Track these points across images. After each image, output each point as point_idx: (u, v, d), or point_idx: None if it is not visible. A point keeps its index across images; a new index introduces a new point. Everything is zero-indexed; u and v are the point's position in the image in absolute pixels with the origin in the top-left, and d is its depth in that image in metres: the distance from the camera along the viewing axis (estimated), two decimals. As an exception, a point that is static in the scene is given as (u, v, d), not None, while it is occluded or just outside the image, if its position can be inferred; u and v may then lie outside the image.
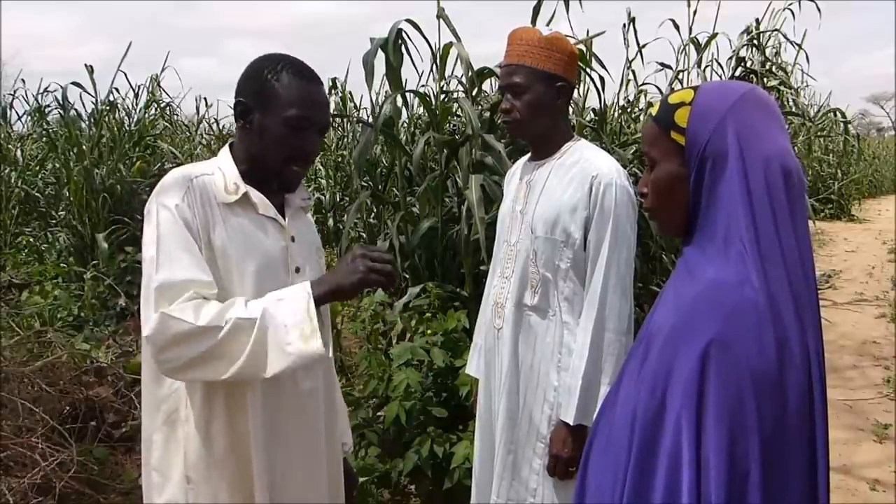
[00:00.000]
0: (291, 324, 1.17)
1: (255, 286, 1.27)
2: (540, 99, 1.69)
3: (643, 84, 5.14)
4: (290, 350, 1.17)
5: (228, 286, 1.25)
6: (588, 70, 3.89)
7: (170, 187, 1.26)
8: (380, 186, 4.39)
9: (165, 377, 1.26)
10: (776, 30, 5.63)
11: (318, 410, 1.41)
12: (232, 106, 1.34)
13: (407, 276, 3.50)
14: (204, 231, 1.24)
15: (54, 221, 6.11)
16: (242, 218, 1.30)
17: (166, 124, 7.57)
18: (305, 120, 1.29)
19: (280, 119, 1.28)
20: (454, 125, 4.43)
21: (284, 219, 1.36)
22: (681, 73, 5.01)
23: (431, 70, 3.63)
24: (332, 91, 7.70)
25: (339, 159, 7.00)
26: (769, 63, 5.58)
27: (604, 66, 3.98)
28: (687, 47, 4.99)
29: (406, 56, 3.30)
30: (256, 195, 1.32)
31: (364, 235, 5.67)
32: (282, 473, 1.33)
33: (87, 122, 6.04)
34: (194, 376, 1.22)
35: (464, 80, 3.38)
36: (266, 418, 1.29)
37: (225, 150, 1.36)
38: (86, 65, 5.64)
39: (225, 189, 1.29)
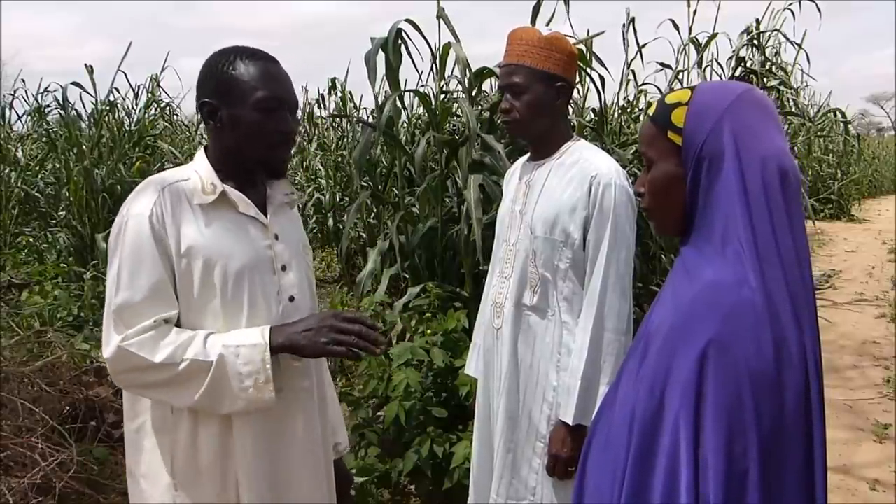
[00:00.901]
0: (246, 373, 1.20)
1: (241, 287, 1.26)
2: (539, 99, 1.69)
3: (643, 84, 5.15)
4: (243, 396, 1.20)
5: (210, 290, 1.24)
6: (588, 70, 3.89)
7: (140, 196, 1.24)
8: (380, 186, 4.39)
9: None
10: (776, 30, 5.63)
11: (311, 413, 1.40)
12: (198, 109, 1.32)
13: (407, 276, 3.50)
14: (175, 242, 1.22)
15: (54, 221, 6.11)
16: (222, 219, 1.27)
17: (166, 124, 7.57)
18: (274, 100, 1.26)
19: (249, 106, 1.25)
20: (454, 125, 4.43)
21: (266, 216, 1.34)
22: (681, 74, 5.02)
23: (431, 70, 3.63)
24: (332, 91, 7.71)
25: (339, 159, 7.00)
26: (769, 63, 5.58)
27: (604, 66, 3.98)
28: (687, 47, 5.00)
29: (406, 56, 3.30)
30: (235, 194, 1.29)
31: (364, 235, 5.67)
32: (272, 478, 1.32)
33: (87, 122, 6.05)
34: (155, 398, 1.25)
35: (463, 80, 3.38)
36: (254, 424, 1.29)
37: (200, 153, 1.34)
38: (86, 65, 5.64)
39: (202, 190, 1.27)
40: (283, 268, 1.34)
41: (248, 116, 1.26)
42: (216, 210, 1.27)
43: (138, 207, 1.22)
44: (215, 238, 1.25)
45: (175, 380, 1.18)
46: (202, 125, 8.56)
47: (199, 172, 1.30)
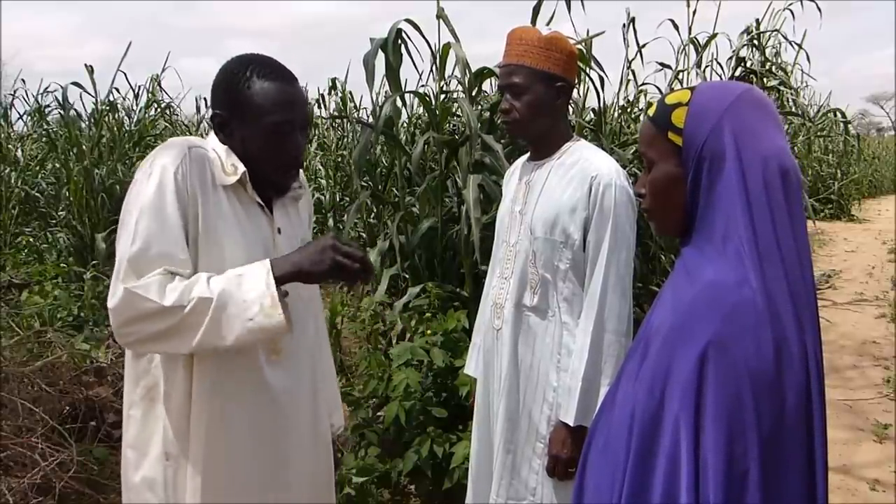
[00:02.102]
0: (251, 298, 1.17)
1: None
2: (539, 99, 1.69)
3: (643, 84, 5.15)
4: (251, 324, 1.17)
5: (208, 267, 1.23)
6: (588, 70, 3.89)
7: (168, 152, 1.23)
8: (380, 186, 4.39)
9: (142, 356, 1.27)
10: (776, 30, 5.63)
11: (305, 386, 1.40)
12: (209, 118, 1.31)
13: (407, 276, 3.50)
14: (194, 204, 1.22)
15: (54, 221, 6.11)
16: (234, 202, 1.28)
17: (166, 124, 7.56)
18: (287, 124, 1.26)
19: (261, 128, 1.25)
20: (454, 125, 4.43)
21: (272, 210, 1.35)
22: (680, 74, 5.01)
23: (431, 70, 3.63)
24: (332, 91, 7.70)
25: (339, 159, 6.99)
26: (769, 63, 5.58)
27: (601, 68, 3.97)
28: (687, 47, 4.99)
29: (406, 56, 3.30)
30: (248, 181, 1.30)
31: (364, 235, 5.67)
32: (266, 450, 1.33)
33: (87, 122, 6.05)
34: (154, 350, 1.22)
35: (462, 80, 3.37)
36: (248, 395, 1.29)
37: (213, 136, 1.32)
38: (86, 65, 5.64)
39: (223, 169, 1.27)
40: None
41: (258, 138, 1.26)
42: (230, 193, 1.27)
43: (165, 160, 1.21)
44: (223, 220, 1.25)
45: (181, 324, 1.15)
46: (202, 124, 8.57)
47: (217, 151, 1.29)
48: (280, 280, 1.20)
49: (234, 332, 1.17)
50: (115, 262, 1.19)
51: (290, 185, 1.36)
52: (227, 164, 1.27)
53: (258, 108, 1.24)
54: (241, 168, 1.27)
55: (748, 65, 5.36)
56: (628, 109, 5.10)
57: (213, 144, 1.31)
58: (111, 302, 1.16)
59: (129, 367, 1.31)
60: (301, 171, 1.40)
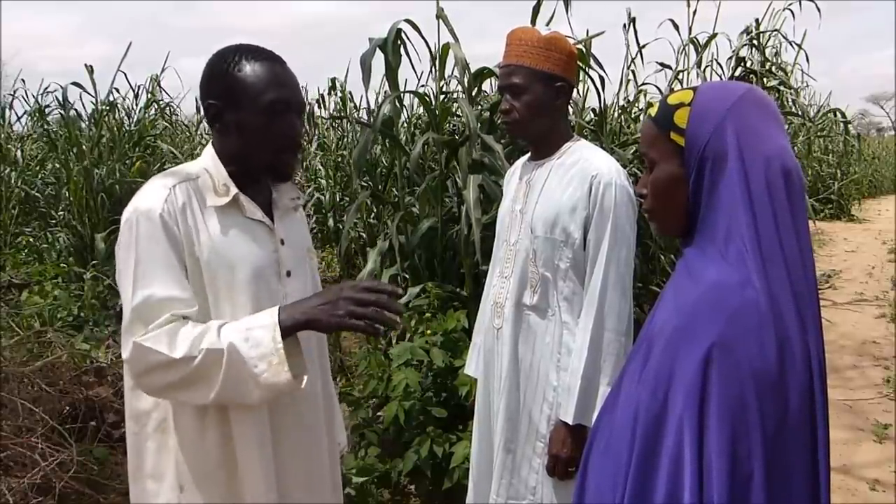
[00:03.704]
0: (258, 356, 1.14)
1: (246, 294, 1.24)
2: (539, 99, 1.69)
3: (643, 84, 5.14)
4: (261, 381, 1.14)
5: (216, 295, 1.22)
6: (588, 70, 3.89)
7: (150, 195, 1.20)
8: (380, 186, 4.39)
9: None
10: (776, 30, 5.63)
11: (318, 412, 1.40)
12: (203, 111, 1.29)
13: (407, 276, 3.50)
14: (188, 241, 1.19)
15: (54, 221, 6.11)
16: (230, 223, 1.24)
17: (166, 124, 7.57)
18: (281, 102, 1.23)
19: (256, 109, 1.22)
20: (454, 125, 4.43)
21: (273, 221, 1.32)
22: (681, 74, 5.01)
23: (431, 70, 3.63)
24: (332, 91, 7.70)
25: (339, 159, 6.99)
26: (769, 63, 5.58)
27: (601, 67, 3.97)
28: (687, 47, 4.99)
29: (406, 56, 3.30)
30: (244, 198, 1.27)
31: (364, 235, 5.67)
32: (281, 478, 1.31)
33: (87, 123, 6.04)
34: (177, 398, 1.20)
35: (462, 80, 3.37)
36: (261, 425, 1.27)
37: (209, 151, 1.30)
38: (86, 65, 5.64)
39: (214, 191, 1.24)
40: (288, 273, 1.32)
41: (254, 120, 1.23)
42: (226, 212, 1.24)
43: (148, 204, 1.19)
44: (225, 242, 1.23)
45: (194, 374, 1.13)
46: (202, 124, 8.58)
47: (209, 171, 1.27)
48: (288, 331, 1.17)
49: (249, 391, 1.15)
50: (123, 311, 1.18)
51: (290, 171, 1.32)
52: (220, 186, 1.25)
53: (251, 89, 1.22)
54: (234, 190, 1.25)
55: (748, 65, 5.36)
56: (628, 109, 5.09)
57: (205, 163, 1.28)
58: (124, 354, 1.16)
59: (131, 404, 1.29)
60: (295, 180, 1.37)
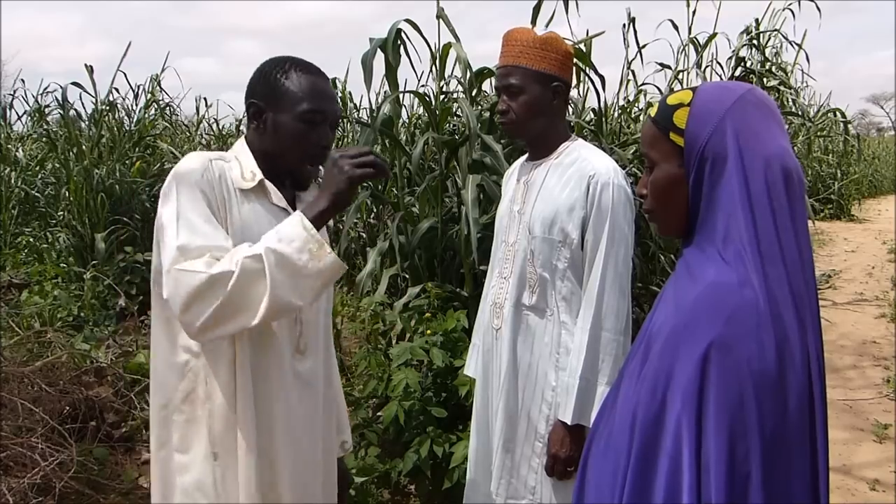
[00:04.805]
0: (297, 248, 1.17)
1: None
2: (536, 99, 1.69)
3: (643, 84, 5.14)
4: (308, 271, 1.18)
5: None
6: (587, 70, 3.88)
7: (189, 167, 1.27)
8: (379, 186, 4.39)
9: (177, 359, 1.28)
10: (776, 30, 5.62)
11: (317, 402, 1.42)
12: (245, 108, 1.37)
13: (407, 276, 3.50)
14: (222, 209, 1.27)
15: (54, 221, 6.11)
16: (256, 205, 1.32)
17: (166, 124, 7.56)
18: (318, 113, 1.32)
19: (293, 115, 1.31)
20: (454, 125, 4.43)
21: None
22: (680, 74, 5.01)
23: (431, 70, 3.63)
24: (332, 91, 7.68)
25: (339, 159, 6.97)
26: (769, 63, 5.57)
27: (596, 71, 3.95)
28: (686, 47, 4.99)
29: (406, 56, 3.30)
30: (270, 185, 1.35)
31: (364, 235, 5.67)
32: (304, 443, 1.36)
33: (86, 122, 6.04)
34: (226, 330, 1.19)
35: (463, 80, 3.37)
36: (284, 392, 1.32)
37: (241, 142, 1.39)
38: (86, 65, 5.64)
39: (242, 176, 1.32)
40: None
41: (290, 124, 1.32)
42: (251, 197, 1.32)
43: (189, 169, 1.26)
44: (249, 220, 1.30)
45: (237, 289, 1.14)
46: (202, 124, 8.56)
47: (239, 159, 1.35)
48: (316, 221, 1.21)
49: (300, 285, 1.18)
50: (163, 262, 1.19)
51: (310, 180, 1.40)
52: (247, 171, 1.33)
53: (293, 96, 1.31)
54: (259, 176, 1.33)
55: (748, 65, 5.35)
56: (628, 109, 5.09)
57: (236, 152, 1.37)
58: (165, 291, 1.17)
59: (162, 373, 1.32)
60: (318, 180, 1.42)
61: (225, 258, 1.17)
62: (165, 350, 1.30)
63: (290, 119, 1.31)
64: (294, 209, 1.37)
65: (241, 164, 1.34)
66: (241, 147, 1.38)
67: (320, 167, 1.38)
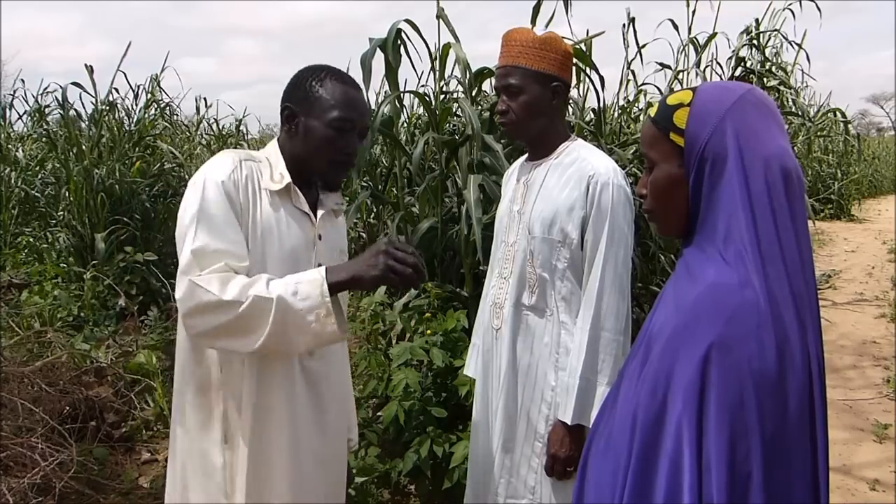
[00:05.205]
0: (306, 308, 1.23)
1: (279, 270, 1.33)
2: (536, 100, 1.69)
3: (643, 84, 5.14)
4: (309, 331, 1.24)
5: (253, 266, 1.31)
6: (587, 70, 3.88)
7: (219, 164, 1.33)
8: (380, 186, 4.39)
9: (195, 346, 1.34)
10: (776, 30, 5.62)
11: (322, 399, 1.47)
12: (280, 111, 1.42)
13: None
14: (246, 210, 1.32)
15: (54, 221, 6.10)
16: (281, 207, 1.37)
17: (166, 124, 7.55)
18: (348, 122, 1.37)
19: (324, 121, 1.36)
20: (454, 125, 4.43)
21: (316, 217, 1.44)
22: (680, 74, 5.01)
23: (431, 70, 3.62)
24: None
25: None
26: (769, 63, 5.57)
27: (596, 70, 3.95)
28: (686, 47, 4.99)
29: (406, 56, 3.30)
30: (295, 189, 1.40)
31: (364, 235, 5.67)
32: (305, 432, 1.42)
33: (86, 123, 6.04)
34: (221, 345, 1.28)
35: (463, 80, 3.37)
36: (290, 374, 1.38)
37: (273, 145, 1.45)
38: (86, 65, 5.63)
39: (271, 177, 1.38)
40: (319, 265, 1.40)
41: (320, 130, 1.37)
42: (276, 199, 1.38)
43: (216, 173, 1.31)
44: (272, 220, 1.35)
45: (241, 319, 1.21)
46: (202, 124, 8.56)
47: (269, 160, 1.41)
48: (334, 288, 1.26)
49: (295, 339, 1.24)
50: (180, 262, 1.26)
51: (338, 184, 1.46)
52: (276, 173, 1.39)
53: (325, 103, 1.37)
54: (287, 179, 1.38)
55: (748, 65, 5.35)
56: (628, 109, 5.09)
57: (268, 153, 1.43)
58: (177, 293, 1.25)
59: (183, 359, 1.39)
60: (342, 189, 1.47)
61: (239, 282, 1.22)
62: (185, 337, 1.36)
63: (321, 125, 1.36)
64: (315, 214, 1.43)
65: (271, 165, 1.40)
66: (272, 149, 1.43)
67: (349, 169, 1.44)
